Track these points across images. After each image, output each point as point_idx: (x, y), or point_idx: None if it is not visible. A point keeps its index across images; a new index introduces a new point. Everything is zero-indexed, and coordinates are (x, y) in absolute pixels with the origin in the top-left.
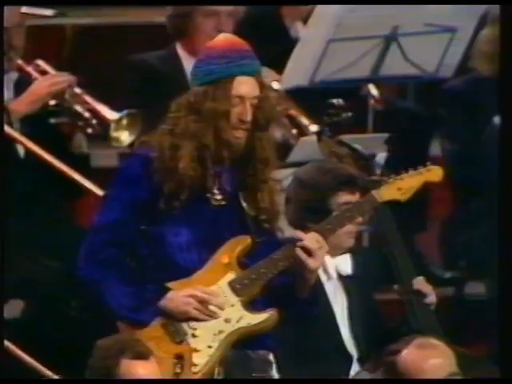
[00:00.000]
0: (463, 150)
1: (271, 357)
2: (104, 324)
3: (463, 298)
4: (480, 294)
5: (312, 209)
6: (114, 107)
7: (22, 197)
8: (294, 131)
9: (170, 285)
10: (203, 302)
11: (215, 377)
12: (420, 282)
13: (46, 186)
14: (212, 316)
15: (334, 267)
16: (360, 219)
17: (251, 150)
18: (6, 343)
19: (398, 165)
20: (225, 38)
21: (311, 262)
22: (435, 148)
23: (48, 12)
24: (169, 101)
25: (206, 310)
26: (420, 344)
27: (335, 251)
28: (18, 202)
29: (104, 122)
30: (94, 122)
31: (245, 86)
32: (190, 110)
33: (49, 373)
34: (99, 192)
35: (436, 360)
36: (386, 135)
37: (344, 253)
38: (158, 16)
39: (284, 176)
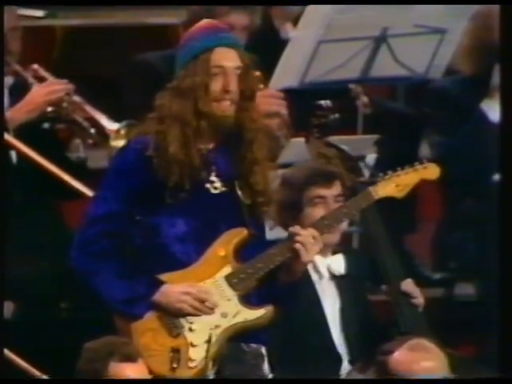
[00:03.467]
0: (452, 148)
1: (263, 350)
2: (95, 325)
3: (453, 299)
4: (469, 295)
5: (287, 206)
6: (108, 105)
7: (13, 199)
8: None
9: (163, 277)
10: (198, 301)
11: (208, 368)
12: (408, 284)
13: (37, 188)
14: (207, 313)
15: (325, 266)
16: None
17: (241, 128)
18: None
19: (387, 166)
20: (204, 22)
21: (306, 256)
22: (425, 149)
23: (38, 13)
24: None
25: (201, 308)
26: (413, 346)
27: (324, 249)
28: (10, 204)
29: (102, 132)
30: (92, 131)
31: (225, 56)
32: (174, 93)
33: (38, 373)
34: (92, 194)
35: (427, 363)
36: (375, 137)
37: (336, 252)
38: (148, 17)
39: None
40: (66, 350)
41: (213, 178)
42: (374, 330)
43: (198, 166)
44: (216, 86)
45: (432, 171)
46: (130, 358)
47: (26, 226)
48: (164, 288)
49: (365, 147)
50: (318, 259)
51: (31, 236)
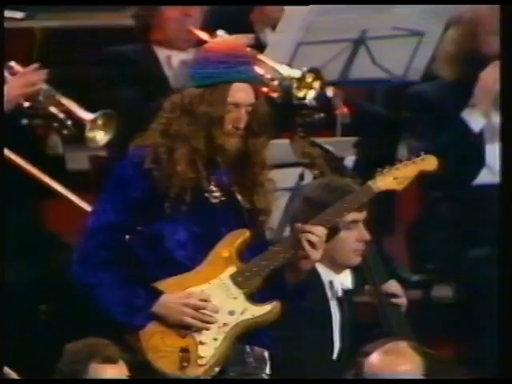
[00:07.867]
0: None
1: (266, 354)
2: (74, 328)
3: (430, 300)
4: (447, 296)
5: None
6: (87, 106)
7: None
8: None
9: (163, 284)
10: (198, 309)
11: (218, 366)
12: (392, 285)
13: (15, 189)
14: (208, 322)
15: (339, 283)
16: (367, 236)
17: (245, 154)
18: None
19: (366, 168)
20: (224, 42)
21: (313, 254)
22: (404, 152)
23: (18, 15)
24: (146, 91)
25: (201, 318)
26: (387, 350)
27: (341, 269)
28: None
29: (79, 123)
30: (69, 123)
31: (241, 94)
32: (184, 112)
33: (16, 375)
34: (70, 195)
35: (400, 367)
36: (354, 139)
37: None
38: (128, 19)
39: None
40: (45, 352)
41: (212, 187)
42: (359, 333)
43: (201, 182)
44: (228, 121)
45: (430, 162)
46: (111, 359)
47: (3, 227)
48: (162, 299)
49: (343, 149)
50: (334, 278)
51: (9, 238)
